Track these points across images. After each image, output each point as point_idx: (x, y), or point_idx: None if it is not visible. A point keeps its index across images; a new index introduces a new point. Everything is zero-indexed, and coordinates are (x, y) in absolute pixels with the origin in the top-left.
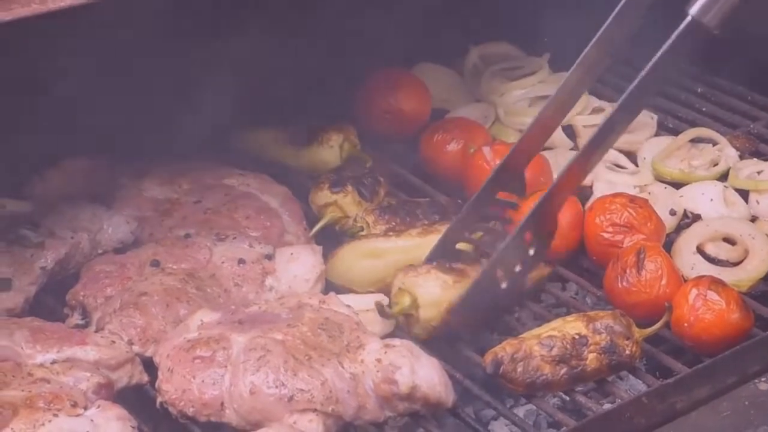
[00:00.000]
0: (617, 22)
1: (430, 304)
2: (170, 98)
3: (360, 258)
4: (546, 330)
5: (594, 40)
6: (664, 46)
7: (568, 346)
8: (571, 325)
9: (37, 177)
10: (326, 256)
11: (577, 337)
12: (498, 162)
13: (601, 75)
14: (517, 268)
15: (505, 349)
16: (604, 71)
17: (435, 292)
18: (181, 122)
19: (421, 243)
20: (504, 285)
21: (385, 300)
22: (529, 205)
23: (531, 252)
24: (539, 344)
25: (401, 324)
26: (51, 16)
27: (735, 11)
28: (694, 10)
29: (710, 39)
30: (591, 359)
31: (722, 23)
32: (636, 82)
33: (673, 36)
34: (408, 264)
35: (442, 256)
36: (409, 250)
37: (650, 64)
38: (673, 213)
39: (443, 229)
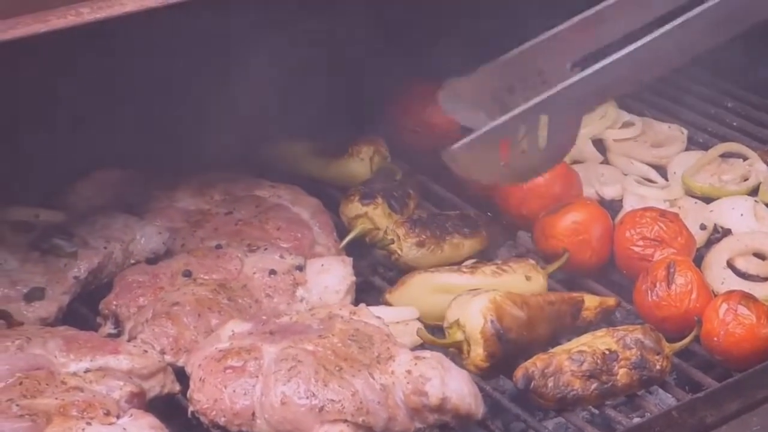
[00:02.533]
0: None
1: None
2: (202, 110)
3: (430, 292)
4: (576, 345)
5: None
6: None
7: (598, 362)
8: (601, 340)
9: (70, 187)
10: (391, 284)
11: (607, 352)
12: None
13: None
14: (522, 150)
15: (535, 364)
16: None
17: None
18: (214, 134)
19: (495, 283)
20: (502, 163)
21: (416, 314)
22: None
23: (542, 144)
24: (569, 359)
25: (452, 355)
26: (86, 28)
27: None
28: None
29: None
30: (621, 374)
31: None
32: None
33: None
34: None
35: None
36: (481, 288)
37: None
38: (703, 227)
39: (517, 268)
